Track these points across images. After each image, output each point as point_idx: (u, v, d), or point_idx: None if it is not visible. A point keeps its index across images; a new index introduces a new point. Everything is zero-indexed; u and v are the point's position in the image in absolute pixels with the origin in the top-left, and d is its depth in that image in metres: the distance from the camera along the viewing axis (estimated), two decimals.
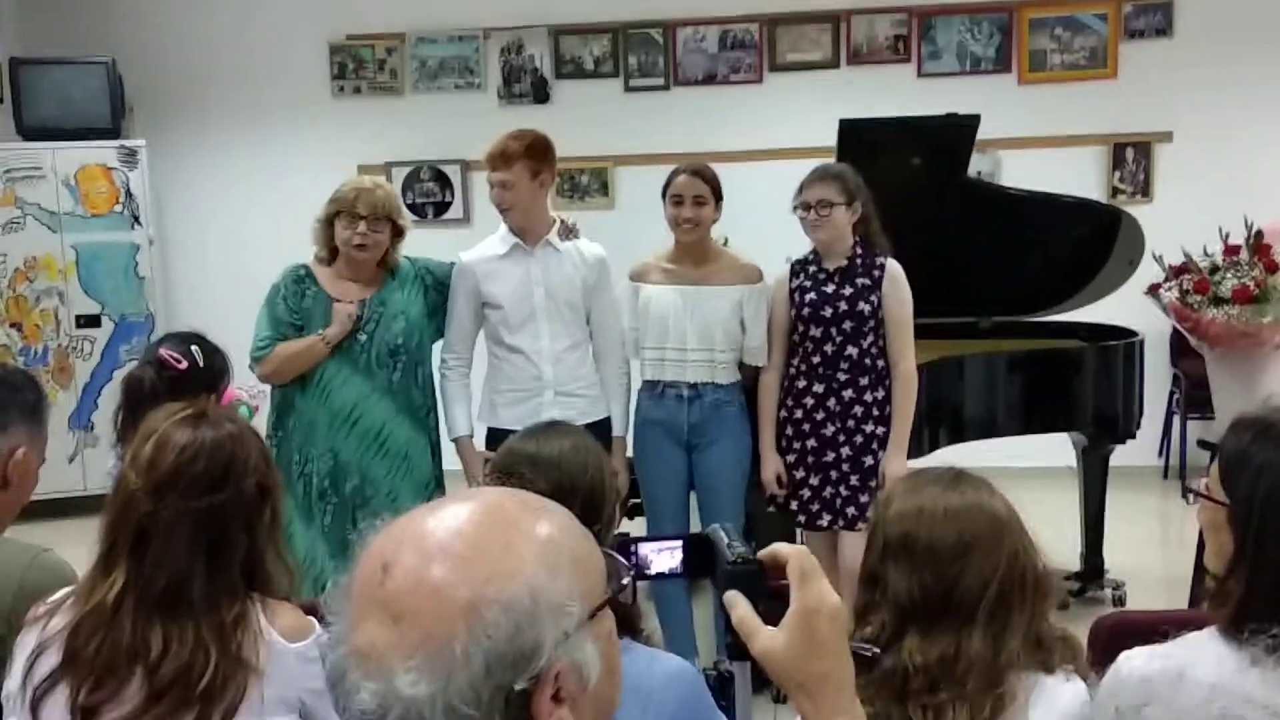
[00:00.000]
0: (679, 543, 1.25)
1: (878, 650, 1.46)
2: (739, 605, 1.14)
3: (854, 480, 3.64)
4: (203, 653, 1.66)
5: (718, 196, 3.66)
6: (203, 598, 1.69)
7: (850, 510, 3.64)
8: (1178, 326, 4.67)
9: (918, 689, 1.68)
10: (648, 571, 1.26)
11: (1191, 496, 1.90)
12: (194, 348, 2.91)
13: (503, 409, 3.68)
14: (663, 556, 1.26)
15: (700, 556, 1.24)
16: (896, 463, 3.60)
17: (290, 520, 3.51)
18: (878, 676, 1.67)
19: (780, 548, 1.18)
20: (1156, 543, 5.44)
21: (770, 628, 1.12)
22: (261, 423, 3.47)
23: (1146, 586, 4.55)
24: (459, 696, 0.89)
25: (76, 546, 1.87)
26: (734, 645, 1.21)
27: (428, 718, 0.89)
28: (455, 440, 3.74)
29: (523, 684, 0.92)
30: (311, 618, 1.83)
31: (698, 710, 1.80)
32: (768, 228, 4.11)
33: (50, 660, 1.70)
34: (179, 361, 2.86)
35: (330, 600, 0.99)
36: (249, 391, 3.33)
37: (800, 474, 3.70)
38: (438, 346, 3.77)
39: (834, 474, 3.67)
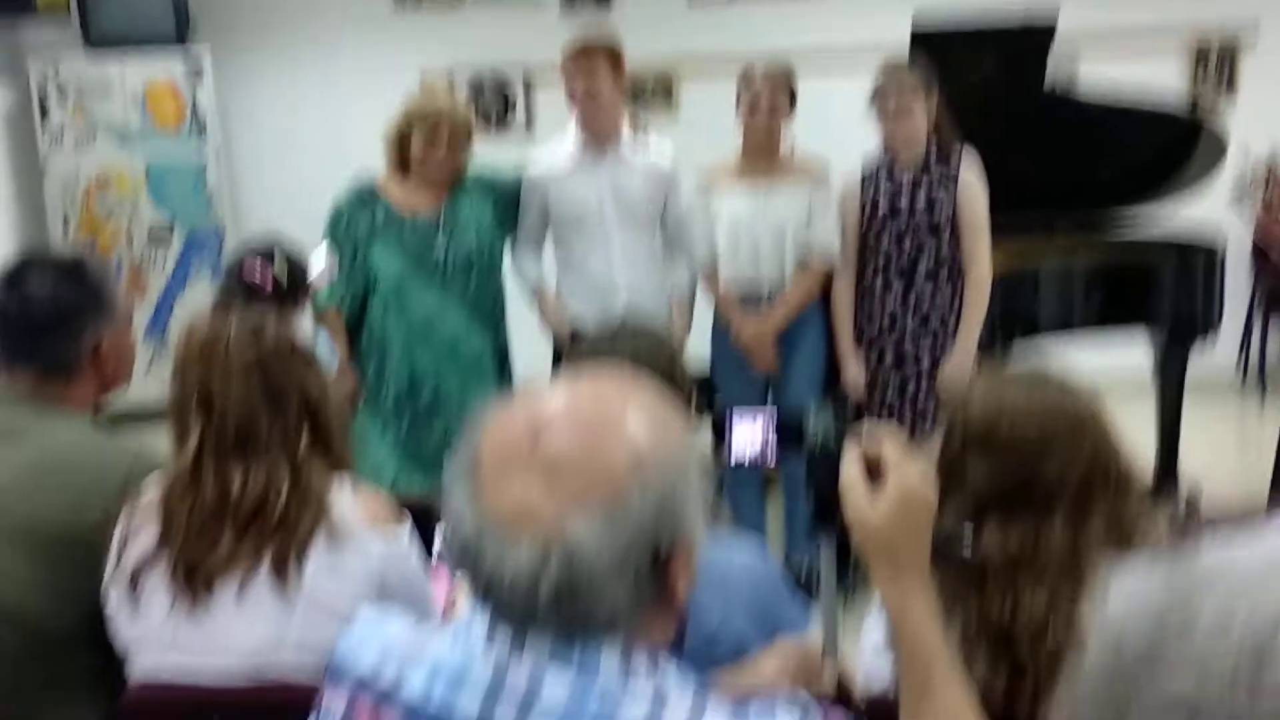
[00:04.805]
0: (772, 411, 1.30)
1: (968, 549, 1.45)
2: (851, 467, 1.18)
3: (931, 383, 3.61)
4: (276, 482, 1.77)
5: (792, 96, 3.60)
6: (270, 437, 1.79)
7: (931, 412, 3.61)
8: (1259, 239, 4.55)
9: (995, 576, 1.68)
10: (733, 460, 1.28)
11: None
12: (275, 267, 2.93)
13: (578, 302, 3.69)
14: (750, 432, 1.27)
15: (790, 436, 1.26)
16: (959, 366, 3.56)
17: (367, 431, 3.58)
18: (955, 565, 1.67)
19: (872, 432, 1.22)
20: (1233, 452, 5.34)
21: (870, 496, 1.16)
22: None
23: (1223, 492, 4.44)
24: (624, 549, 0.95)
25: (161, 453, 1.92)
26: (819, 519, 1.25)
27: (590, 569, 0.94)
28: (533, 291, 3.75)
29: (666, 544, 0.98)
30: (398, 517, 1.89)
31: (776, 595, 1.83)
32: (837, 135, 4.02)
33: (143, 540, 1.78)
34: (264, 285, 2.88)
35: (450, 472, 1.02)
36: (319, 265, 3.31)
37: (881, 377, 3.69)
38: (507, 258, 3.77)
39: (914, 376, 3.65)
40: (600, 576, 0.94)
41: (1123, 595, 0.73)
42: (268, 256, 2.95)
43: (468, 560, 0.98)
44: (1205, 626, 0.66)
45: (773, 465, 1.29)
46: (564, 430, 0.98)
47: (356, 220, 3.52)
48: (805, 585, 3.40)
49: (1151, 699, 0.67)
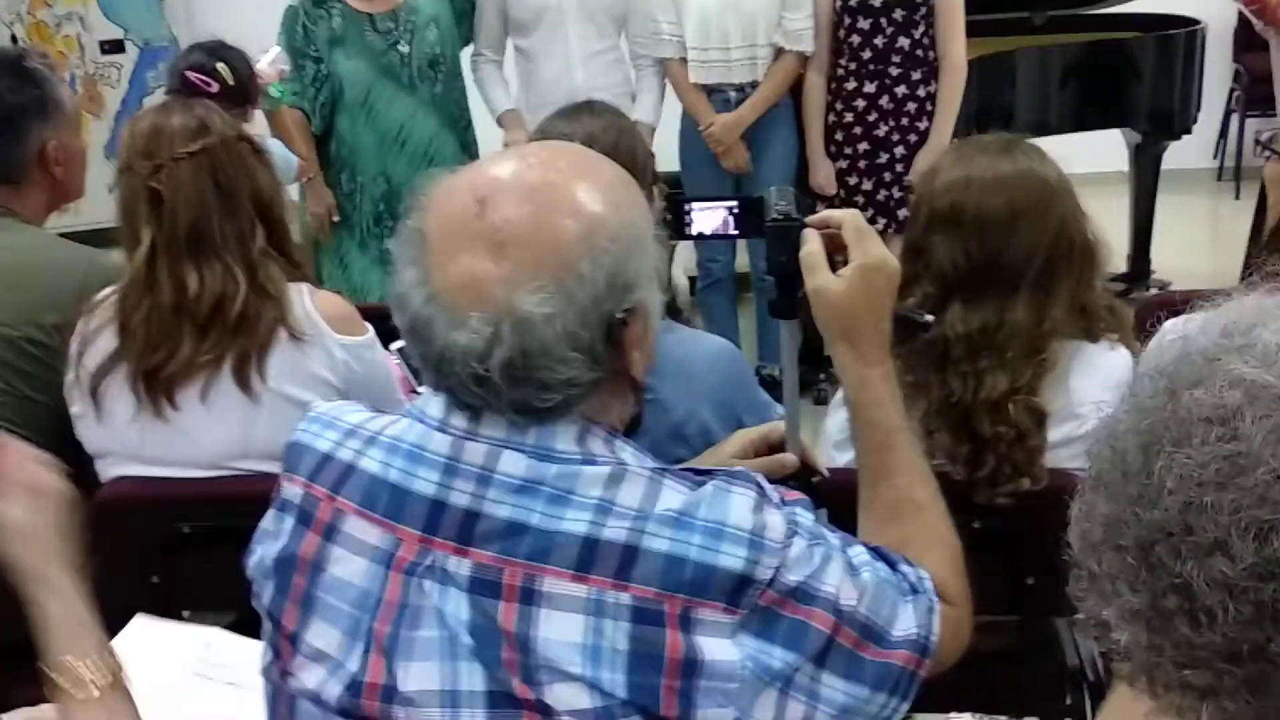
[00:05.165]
0: (734, 202, 1.26)
1: (931, 317, 1.45)
2: (812, 240, 1.17)
3: (908, 180, 3.56)
4: (232, 281, 1.75)
5: None
6: (223, 233, 1.77)
7: (903, 212, 3.56)
8: (1244, 10, 4.44)
9: (958, 357, 1.69)
10: (694, 230, 1.27)
11: (1260, 148, 1.84)
12: (220, 65, 2.83)
13: (534, 120, 3.60)
14: (711, 215, 1.26)
15: (751, 217, 1.25)
16: (932, 157, 3.42)
17: (345, 249, 3.54)
18: (919, 345, 1.68)
19: (832, 212, 1.22)
20: (1206, 245, 5.37)
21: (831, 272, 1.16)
22: None
23: (1194, 285, 4.50)
24: (576, 318, 0.93)
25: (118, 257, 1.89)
26: (779, 302, 1.25)
27: (543, 340, 0.92)
28: (499, 117, 3.67)
29: (621, 313, 0.96)
30: (361, 318, 1.89)
31: (741, 387, 1.84)
32: None
33: (101, 345, 1.77)
34: (208, 84, 2.78)
35: (394, 249, 1.00)
36: (267, 59, 3.16)
37: (853, 180, 3.64)
38: (467, 54, 3.67)
39: (888, 175, 3.61)
40: (552, 347, 0.92)
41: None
42: (211, 55, 2.86)
43: (418, 338, 0.96)
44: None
45: (732, 232, 1.27)
46: (511, 199, 0.95)
47: (314, 24, 3.39)
48: (776, 393, 3.43)
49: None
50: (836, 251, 1.18)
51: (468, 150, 3.63)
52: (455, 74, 3.57)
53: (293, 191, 3.32)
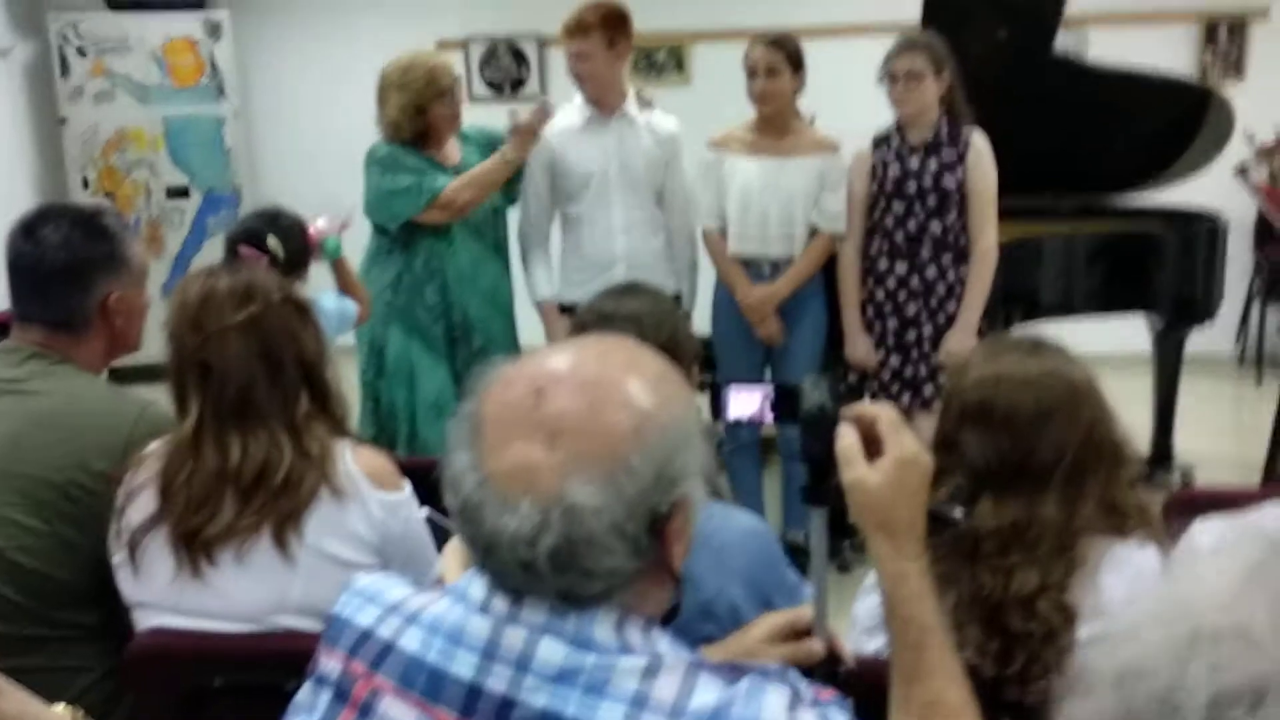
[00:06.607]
0: (770, 388, 1.29)
1: (961, 513, 1.49)
2: (848, 434, 1.19)
3: (935, 360, 3.64)
4: (277, 448, 1.76)
5: (796, 66, 3.59)
6: (269, 400, 1.79)
7: (928, 389, 3.64)
8: (1264, 209, 4.57)
9: (989, 552, 1.69)
10: (730, 415, 1.29)
11: None
12: (271, 239, 2.88)
13: (576, 286, 3.74)
14: (748, 400, 1.29)
15: (787, 404, 1.27)
16: (961, 339, 3.58)
17: (416, 358, 3.65)
18: (949, 538, 1.69)
19: (865, 406, 1.23)
20: (1229, 430, 5.38)
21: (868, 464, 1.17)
22: (349, 250, 3.35)
23: (1217, 472, 4.52)
24: (624, 510, 0.96)
25: (167, 407, 1.91)
26: (812, 490, 1.26)
27: (590, 530, 0.95)
28: (538, 303, 3.82)
29: (666, 507, 0.99)
30: (399, 473, 1.90)
31: (770, 567, 1.81)
32: (849, 105, 4.05)
33: (143, 506, 1.79)
34: (259, 258, 2.82)
35: (451, 434, 1.03)
36: (327, 216, 3.17)
37: (881, 354, 3.71)
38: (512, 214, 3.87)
39: (915, 353, 3.67)
40: (599, 537, 0.94)
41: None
42: (265, 224, 2.92)
43: (468, 520, 0.98)
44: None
45: (769, 421, 1.32)
46: (567, 391, 0.98)
47: (406, 157, 3.60)
48: (802, 559, 3.42)
49: None
50: (870, 444, 1.20)
51: (512, 294, 3.86)
52: (507, 227, 3.84)
53: (349, 337, 3.42)
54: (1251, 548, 0.72)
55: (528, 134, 3.56)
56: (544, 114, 3.59)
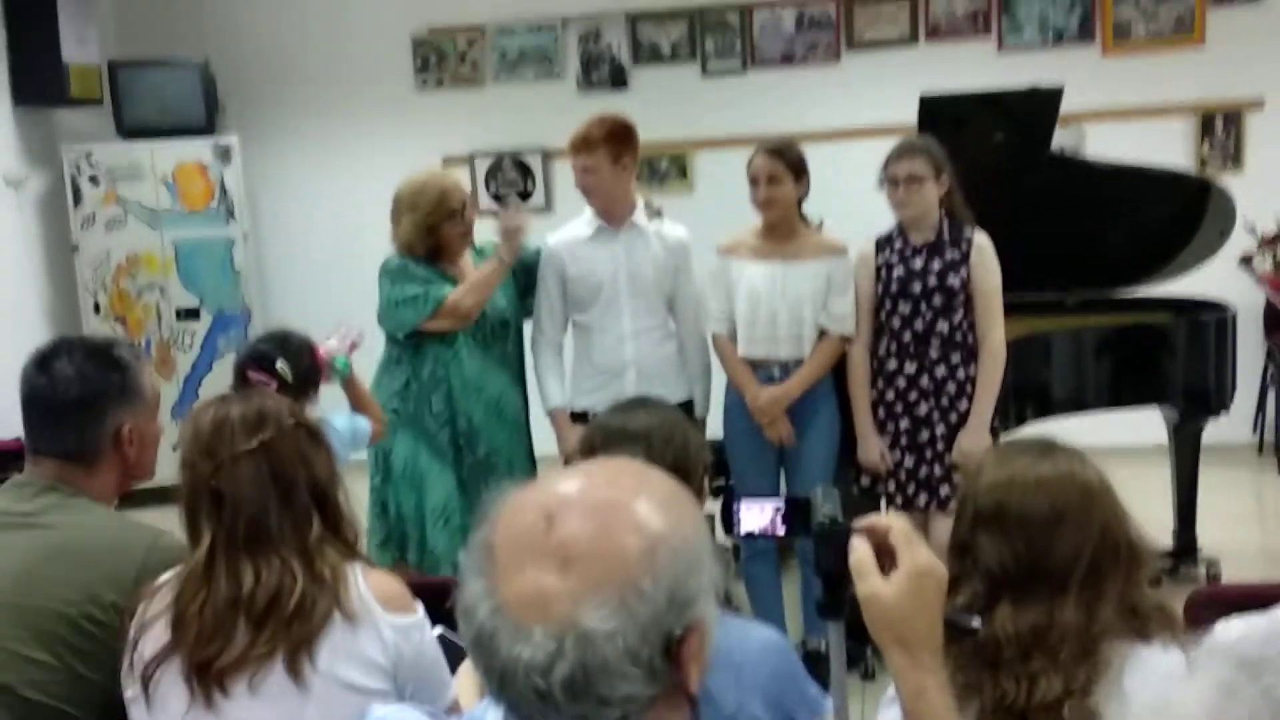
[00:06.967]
0: (780, 502, 1.30)
1: (978, 622, 1.47)
2: (860, 547, 1.19)
3: (949, 459, 3.62)
4: (289, 574, 1.76)
5: (797, 173, 3.64)
6: (281, 526, 1.79)
7: (944, 490, 3.62)
8: (1272, 298, 4.57)
9: (1010, 658, 1.67)
10: (742, 530, 1.30)
11: None
12: (280, 362, 2.90)
13: (587, 394, 3.76)
14: (759, 514, 1.30)
15: (798, 517, 1.28)
16: (974, 438, 3.57)
17: (425, 465, 3.66)
18: (969, 646, 1.66)
19: (877, 517, 1.23)
20: (1252, 520, 5.32)
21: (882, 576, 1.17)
22: (362, 365, 3.35)
23: (1242, 563, 4.47)
24: (638, 635, 0.94)
25: (180, 535, 1.91)
26: (827, 603, 1.26)
27: (604, 656, 0.93)
28: (550, 412, 3.84)
29: (679, 630, 0.97)
30: (412, 597, 1.88)
31: (790, 681, 1.81)
32: (850, 208, 4.11)
33: (155, 637, 1.78)
34: (268, 385, 2.82)
35: (465, 560, 1.02)
36: (338, 336, 3.20)
37: (895, 455, 3.69)
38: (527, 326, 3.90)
39: (929, 453, 3.66)
40: (613, 663, 0.93)
41: None
42: (274, 348, 2.94)
43: (482, 649, 0.97)
44: None
45: (781, 534, 1.32)
46: (577, 516, 0.98)
47: (416, 268, 3.67)
48: (823, 667, 3.38)
49: None
50: (883, 555, 1.20)
51: (527, 407, 3.87)
52: (520, 336, 3.87)
53: (362, 453, 3.41)
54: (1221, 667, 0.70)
55: (511, 235, 3.64)
56: (513, 213, 3.70)
